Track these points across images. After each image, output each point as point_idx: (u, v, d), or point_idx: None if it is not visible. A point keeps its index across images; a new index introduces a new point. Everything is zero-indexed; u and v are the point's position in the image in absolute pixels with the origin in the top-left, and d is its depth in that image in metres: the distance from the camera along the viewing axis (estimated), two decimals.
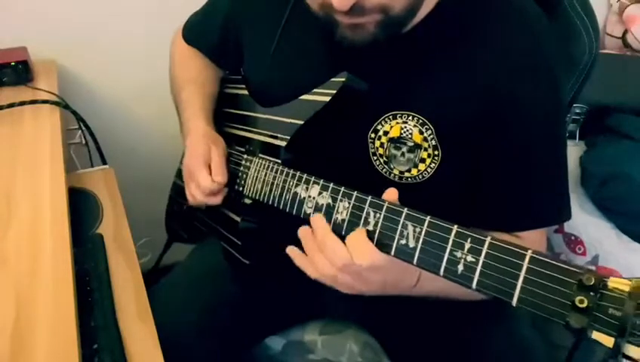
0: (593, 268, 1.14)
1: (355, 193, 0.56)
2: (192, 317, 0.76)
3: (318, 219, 0.57)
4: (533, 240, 0.67)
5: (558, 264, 0.40)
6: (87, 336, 0.64)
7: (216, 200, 0.74)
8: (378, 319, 0.82)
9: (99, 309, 0.68)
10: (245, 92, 0.81)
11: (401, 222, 0.51)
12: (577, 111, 1.28)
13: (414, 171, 0.65)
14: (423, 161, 0.64)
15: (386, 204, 0.53)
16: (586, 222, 1.16)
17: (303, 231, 0.58)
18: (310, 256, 0.57)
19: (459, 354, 0.72)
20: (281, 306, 0.83)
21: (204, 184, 0.72)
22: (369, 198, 0.54)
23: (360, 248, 0.53)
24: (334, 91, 0.64)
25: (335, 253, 0.54)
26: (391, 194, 0.54)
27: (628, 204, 1.10)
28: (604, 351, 0.38)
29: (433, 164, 0.64)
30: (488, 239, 0.45)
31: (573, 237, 1.18)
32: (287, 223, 0.65)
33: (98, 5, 1.17)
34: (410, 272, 0.58)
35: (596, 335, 0.38)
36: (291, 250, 0.59)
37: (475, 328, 0.72)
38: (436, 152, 0.63)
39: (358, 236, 0.53)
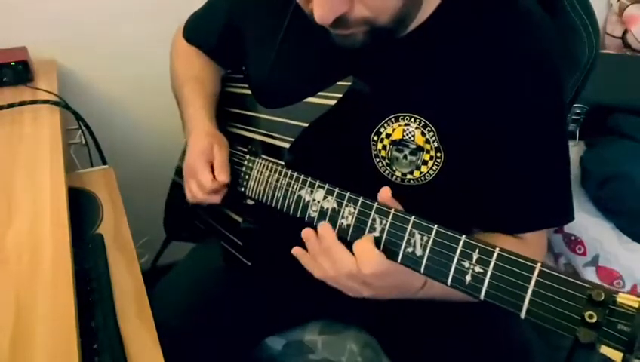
0: (593, 268, 1.14)
1: (360, 198, 0.56)
2: (192, 317, 0.76)
3: (325, 227, 0.56)
4: (535, 242, 0.66)
5: (568, 278, 0.41)
6: (87, 336, 0.64)
7: (216, 199, 0.74)
8: (378, 319, 0.82)
9: (99, 309, 0.68)
10: (248, 91, 0.80)
11: (408, 230, 0.51)
12: (577, 111, 1.28)
13: (416, 173, 0.65)
14: (425, 163, 0.64)
15: (392, 211, 0.53)
16: (586, 222, 1.16)
17: (306, 233, 0.58)
18: (314, 258, 0.57)
19: (458, 355, 0.72)
20: (281, 306, 0.83)
21: (205, 182, 0.72)
22: (375, 204, 0.54)
23: (366, 256, 0.53)
24: (340, 95, 0.64)
25: (342, 261, 0.54)
26: (384, 194, 0.54)
27: (628, 204, 1.10)
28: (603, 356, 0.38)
29: (435, 167, 0.64)
30: (497, 250, 0.45)
31: (573, 238, 1.18)
32: (289, 225, 0.65)
33: (98, 5, 1.17)
34: (416, 276, 0.57)
35: (604, 350, 0.38)
36: (297, 250, 0.59)
37: (474, 328, 0.72)
38: (438, 154, 0.63)
39: (365, 244, 0.53)
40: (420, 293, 0.60)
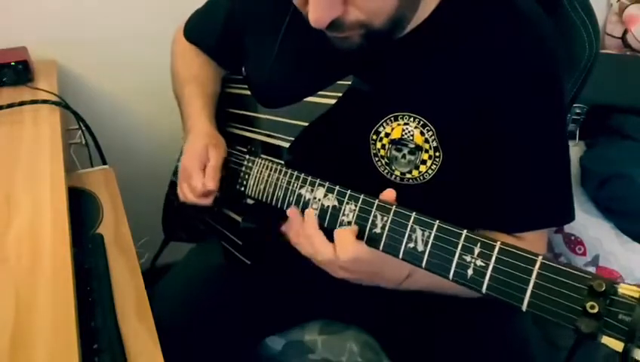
0: (593, 268, 1.14)
1: (361, 196, 0.56)
2: (192, 317, 0.76)
3: (309, 215, 0.60)
4: (534, 241, 0.66)
5: (569, 270, 0.41)
6: (87, 336, 0.63)
7: (207, 201, 0.75)
8: (378, 319, 0.82)
9: (99, 309, 0.68)
10: (248, 92, 0.81)
11: (410, 226, 0.51)
12: (577, 111, 1.28)
13: (415, 173, 0.65)
14: (424, 162, 0.64)
15: (393, 208, 0.53)
16: (586, 222, 1.16)
17: (292, 213, 0.62)
18: (296, 237, 0.62)
19: (458, 354, 0.72)
20: (281, 306, 0.83)
21: (197, 186, 0.73)
22: (376, 201, 0.55)
23: (344, 244, 0.55)
24: (340, 94, 0.64)
25: (321, 249, 0.58)
26: (387, 195, 0.55)
27: (628, 204, 1.10)
28: (604, 352, 0.38)
29: (434, 166, 0.64)
30: (498, 244, 0.45)
31: (573, 237, 1.19)
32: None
33: (99, 5, 1.17)
34: (400, 266, 0.58)
35: (606, 340, 0.38)
36: (285, 227, 0.64)
37: (474, 328, 0.72)
38: (437, 154, 0.63)
39: (343, 232, 0.56)
40: (404, 284, 0.61)
